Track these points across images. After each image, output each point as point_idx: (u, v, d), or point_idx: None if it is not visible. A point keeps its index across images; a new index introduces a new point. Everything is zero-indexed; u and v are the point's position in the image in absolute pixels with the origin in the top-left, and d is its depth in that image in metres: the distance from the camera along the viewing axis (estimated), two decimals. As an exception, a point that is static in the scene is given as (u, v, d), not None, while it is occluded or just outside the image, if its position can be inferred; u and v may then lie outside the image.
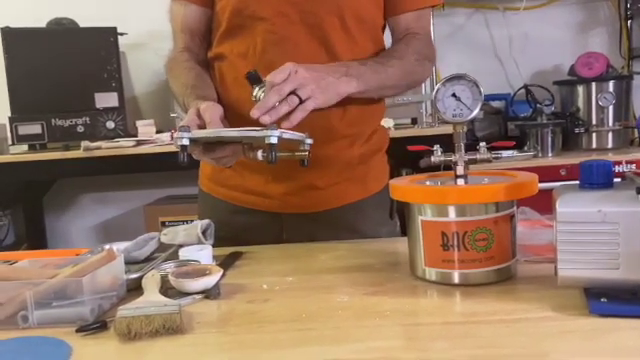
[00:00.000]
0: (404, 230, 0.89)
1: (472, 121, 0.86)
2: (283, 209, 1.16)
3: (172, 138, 2.53)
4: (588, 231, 0.66)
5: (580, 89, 2.53)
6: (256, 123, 0.94)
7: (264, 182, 1.15)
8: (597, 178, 0.69)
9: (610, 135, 2.51)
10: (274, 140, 0.87)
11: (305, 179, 1.13)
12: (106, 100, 2.60)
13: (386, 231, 1.15)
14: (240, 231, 1.16)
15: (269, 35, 1.08)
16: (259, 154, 0.95)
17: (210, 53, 1.17)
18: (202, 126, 0.94)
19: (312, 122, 1.07)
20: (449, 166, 0.85)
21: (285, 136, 0.90)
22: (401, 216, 0.92)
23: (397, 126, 2.39)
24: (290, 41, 1.08)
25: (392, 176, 1.22)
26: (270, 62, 1.07)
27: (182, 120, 0.98)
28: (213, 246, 0.99)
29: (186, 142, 0.89)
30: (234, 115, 1.02)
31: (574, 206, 0.67)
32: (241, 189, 1.18)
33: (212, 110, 0.95)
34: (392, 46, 1.18)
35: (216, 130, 0.93)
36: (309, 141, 1.01)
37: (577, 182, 0.72)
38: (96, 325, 0.71)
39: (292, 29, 1.07)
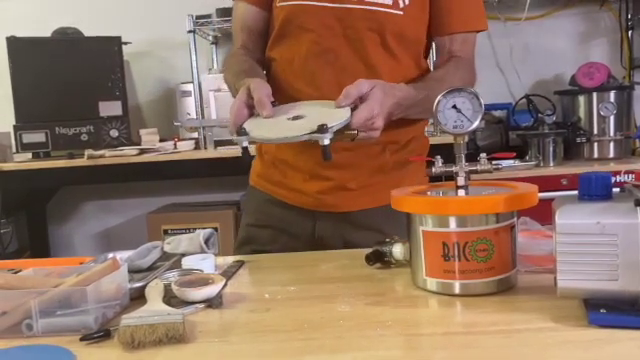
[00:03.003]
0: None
1: (474, 131, 0.86)
2: (317, 207, 1.20)
3: (175, 146, 2.56)
4: (587, 242, 0.66)
5: (581, 99, 2.54)
6: None
7: (302, 180, 1.20)
8: (596, 190, 0.70)
9: (611, 145, 2.51)
10: (327, 142, 0.91)
11: (338, 180, 1.17)
12: (110, 109, 2.62)
13: None
14: (277, 220, 1.23)
15: (313, 45, 1.13)
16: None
17: (266, 53, 1.23)
18: (251, 105, 0.99)
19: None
20: (451, 176, 0.86)
21: (334, 130, 0.93)
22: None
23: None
24: (332, 53, 1.12)
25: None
26: (312, 72, 1.13)
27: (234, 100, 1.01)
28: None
29: (246, 144, 0.96)
30: None
31: (573, 218, 0.67)
32: (282, 185, 1.24)
33: (260, 89, 0.99)
34: (437, 70, 1.19)
35: (271, 137, 0.96)
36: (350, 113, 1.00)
37: (576, 193, 0.72)
38: (100, 334, 0.71)
39: (335, 42, 1.12)
